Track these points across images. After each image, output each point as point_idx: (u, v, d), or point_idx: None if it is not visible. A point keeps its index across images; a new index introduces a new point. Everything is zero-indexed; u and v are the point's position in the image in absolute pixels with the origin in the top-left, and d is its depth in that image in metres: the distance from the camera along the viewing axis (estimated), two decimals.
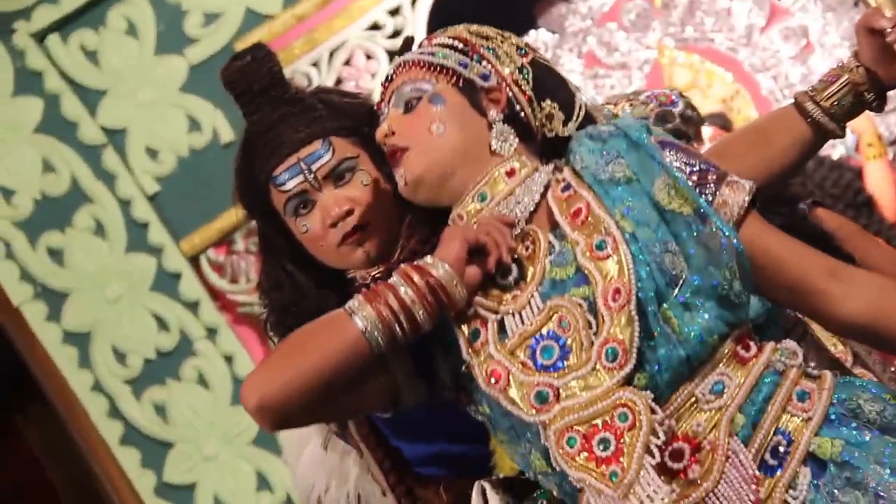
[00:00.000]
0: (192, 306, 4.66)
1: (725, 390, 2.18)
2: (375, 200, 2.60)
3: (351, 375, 2.21)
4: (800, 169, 2.71)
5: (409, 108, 2.39)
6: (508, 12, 5.08)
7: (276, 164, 2.57)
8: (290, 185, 2.57)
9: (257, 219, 2.70)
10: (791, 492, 2.14)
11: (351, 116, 2.62)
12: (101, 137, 4.67)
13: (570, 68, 5.44)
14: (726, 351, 2.23)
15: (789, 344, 2.28)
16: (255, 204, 2.66)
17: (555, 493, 2.33)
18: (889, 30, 2.36)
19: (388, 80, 2.47)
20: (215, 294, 4.71)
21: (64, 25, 4.70)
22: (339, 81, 4.78)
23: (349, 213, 2.55)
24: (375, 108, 2.52)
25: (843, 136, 2.54)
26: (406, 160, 2.33)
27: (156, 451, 4.50)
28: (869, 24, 2.40)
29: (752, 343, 2.24)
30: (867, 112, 2.51)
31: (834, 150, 4.97)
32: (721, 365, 2.22)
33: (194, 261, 4.67)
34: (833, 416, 2.18)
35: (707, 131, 4.54)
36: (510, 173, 2.33)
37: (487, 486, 2.65)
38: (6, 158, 4.75)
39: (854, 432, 2.17)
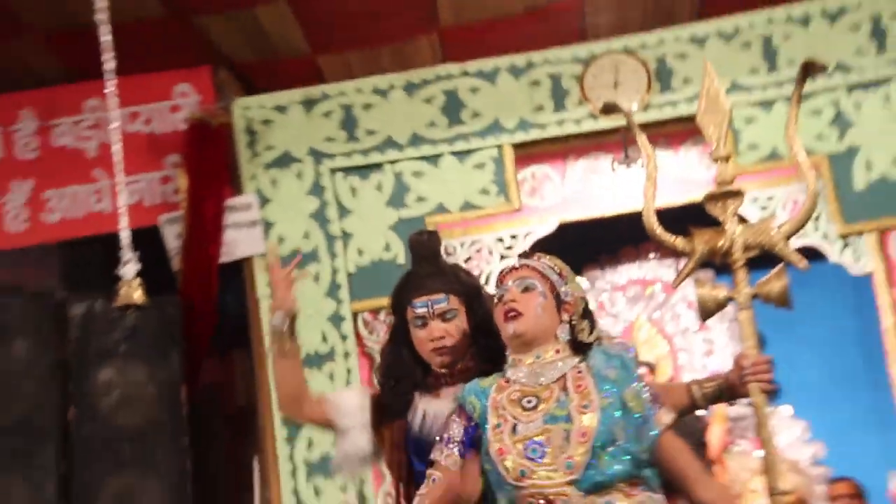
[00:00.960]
0: (344, 338, 5.79)
1: None
2: (458, 336, 3.19)
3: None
4: (685, 416, 3.19)
5: (526, 290, 2.89)
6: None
7: (416, 297, 3.21)
8: (418, 311, 3.18)
9: (395, 317, 3.36)
10: None
11: (465, 287, 3.26)
12: (339, 232, 5.87)
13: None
14: (623, 486, 2.75)
15: (658, 497, 2.82)
16: (397, 309, 3.34)
17: None
18: (746, 370, 3.02)
19: (515, 267, 2.97)
20: (358, 335, 5.82)
21: (347, 170, 5.92)
22: (468, 259, 5.88)
23: (442, 338, 3.17)
24: (498, 279, 2.99)
25: (706, 409, 3.46)
26: (519, 321, 2.86)
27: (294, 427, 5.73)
28: (738, 361, 3.08)
29: (638, 488, 2.76)
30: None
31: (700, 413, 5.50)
32: (616, 492, 2.74)
33: (356, 315, 5.84)
34: None
35: (640, 369, 5.91)
36: (557, 351, 2.88)
37: None
38: (289, 219, 5.88)
39: None
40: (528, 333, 2.86)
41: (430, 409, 3.19)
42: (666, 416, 2.86)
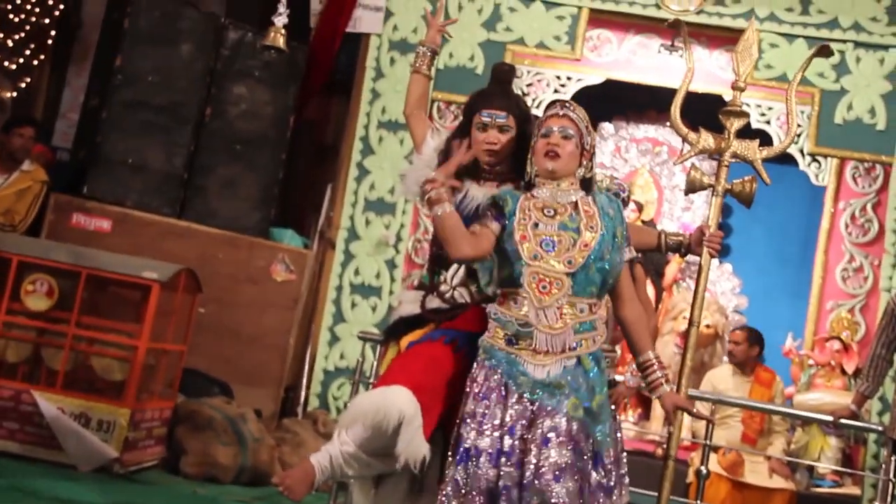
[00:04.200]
0: None
1: (585, 311, 3.17)
2: (505, 146, 3.56)
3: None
4: (648, 252, 3.81)
5: (565, 137, 3.25)
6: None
7: (486, 108, 3.57)
8: (484, 119, 3.53)
9: (464, 117, 3.69)
10: (568, 352, 3.13)
11: (522, 113, 3.61)
12: None
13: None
14: (593, 300, 3.19)
15: (602, 313, 3.27)
16: (467, 112, 3.67)
17: (500, 291, 3.22)
18: (704, 238, 3.51)
19: (560, 115, 3.27)
20: (430, 117, 6.57)
21: None
22: (529, 84, 7.03)
23: (494, 143, 3.53)
24: (545, 119, 3.28)
25: (665, 254, 3.87)
26: (556, 161, 3.24)
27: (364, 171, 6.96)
28: (701, 229, 3.58)
29: (597, 305, 3.21)
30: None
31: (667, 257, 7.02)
32: (586, 303, 3.19)
33: (433, 101, 6.92)
34: (594, 357, 3.20)
35: (631, 205, 6.94)
36: (572, 184, 3.28)
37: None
38: (405, 13, 6.98)
39: (597, 367, 3.18)
40: (560, 171, 3.30)
41: (472, 191, 3.58)
42: (630, 253, 3.40)
